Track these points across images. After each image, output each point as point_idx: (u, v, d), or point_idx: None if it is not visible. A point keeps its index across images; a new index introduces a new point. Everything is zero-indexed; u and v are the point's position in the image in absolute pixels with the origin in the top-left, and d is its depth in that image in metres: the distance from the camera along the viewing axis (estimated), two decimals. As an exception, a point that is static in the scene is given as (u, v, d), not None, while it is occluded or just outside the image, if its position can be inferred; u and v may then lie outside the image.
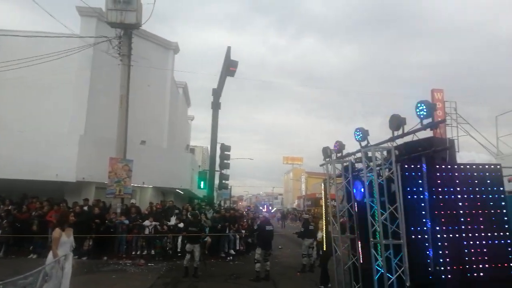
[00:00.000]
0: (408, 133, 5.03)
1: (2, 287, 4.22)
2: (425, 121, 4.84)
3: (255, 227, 11.84)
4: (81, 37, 16.06)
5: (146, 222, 14.13)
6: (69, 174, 15.15)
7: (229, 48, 17.41)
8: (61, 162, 15.08)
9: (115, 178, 14.73)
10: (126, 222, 14.01)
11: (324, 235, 8.08)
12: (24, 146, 15.12)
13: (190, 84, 29.67)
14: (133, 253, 13.76)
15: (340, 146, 6.58)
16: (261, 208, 32.27)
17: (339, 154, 6.62)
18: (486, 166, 5.13)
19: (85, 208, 14.44)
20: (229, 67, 16.85)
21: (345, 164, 6.55)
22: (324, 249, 8.21)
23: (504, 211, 4.98)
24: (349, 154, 6.40)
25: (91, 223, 13.48)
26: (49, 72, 15.76)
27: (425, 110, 4.76)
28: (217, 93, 18.63)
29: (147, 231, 14.01)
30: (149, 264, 12.63)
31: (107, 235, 13.45)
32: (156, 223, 14.21)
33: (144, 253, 13.77)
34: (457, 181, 4.89)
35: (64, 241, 6.73)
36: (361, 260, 6.24)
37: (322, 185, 7.59)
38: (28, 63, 14.83)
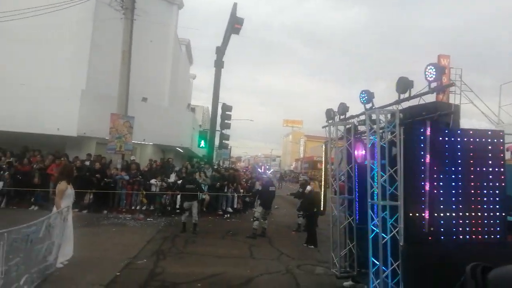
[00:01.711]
0: (415, 96, 4.96)
1: (6, 235, 4.31)
2: (433, 85, 4.78)
3: (259, 187, 12.19)
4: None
5: (152, 181, 14.30)
6: (70, 129, 15.16)
7: (235, 5, 16.90)
8: (63, 116, 15.04)
9: (116, 134, 14.75)
10: (127, 177, 14.19)
11: (322, 197, 8.24)
12: (24, 99, 15.00)
13: (193, 41, 29.05)
14: (133, 208, 14.07)
15: (343, 108, 6.54)
16: (258, 169, 32.60)
17: (342, 116, 6.59)
18: (489, 133, 5.13)
19: (87, 162, 14.59)
20: (234, 25, 16.43)
21: (347, 126, 6.55)
22: (322, 209, 8.39)
23: (503, 177, 5.03)
24: (352, 117, 6.38)
25: (91, 177, 13.66)
26: (50, 24, 15.39)
27: (434, 73, 4.69)
28: (220, 51, 18.29)
29: (153, 189, 14.20)
30: (148, 219, 12.92)
31: (108, 191, 13.68)
32: (160, 182, 14.40)
33: (143, 208, 14.07)
34: (459, 146, 4.90)
35: (68, 193, 6.87)
36: (357, 220, 6.41)
37: (323, 146, 7.62)
38: (28, 14, 14.46)
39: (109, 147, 14.81)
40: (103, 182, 13.76)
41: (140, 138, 16.53)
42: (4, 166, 13.69)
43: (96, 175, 13.83)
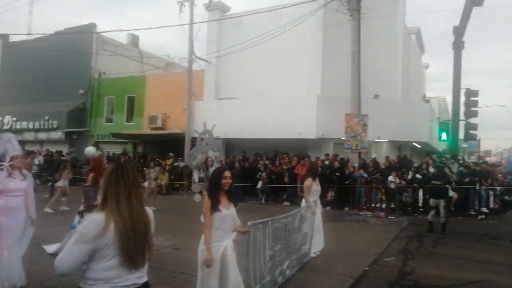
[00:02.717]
0: None
1: (270, 223, 5.02)
2: None
3: None
4: (313, 0, 16.71)
5: (390, 177, 14.06)
6: (310, 132, 16.58)
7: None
8: (303, 121, 16.59)
9: (351, 133, 15.15)
10: (365, 175, 14.36)
11: None
12: (272, 109, 17.35)
13: (424, 28, 26.85)
14: (372, 205, 14.10)
15: None
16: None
17: None
18: None
19: (326, 162, 15.57)
20: (477, -6, 14.22)
21: None
22: None
23: None
24: None
25: (332, 176, 14.47)
26: (289, 40, 17.35)
27: None
28: (459, 30, 16.22)
29: (392, 186, 13.93)
30: (389, 217, 12.70)
31: (347, 185, 14.19)
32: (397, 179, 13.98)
33: (383, 206, 13.90)
34: None
35: (314, 189, 7.45)
36: None
37: None
38: (269, 36, 16.81)
39: (346, 146, 15.32)
40: (343, 181, 14.35)
41: (374, 136, 16.43)
42: (261, 168, 16.18)
43: (336, 174, 14.58)
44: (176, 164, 18.61)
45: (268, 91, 18.04)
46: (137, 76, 23.78)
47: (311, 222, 7.03)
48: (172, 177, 18.18)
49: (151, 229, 2.38)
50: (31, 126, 24.86)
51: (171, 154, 19.32)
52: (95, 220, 2.17)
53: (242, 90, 18.83)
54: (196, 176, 10.68)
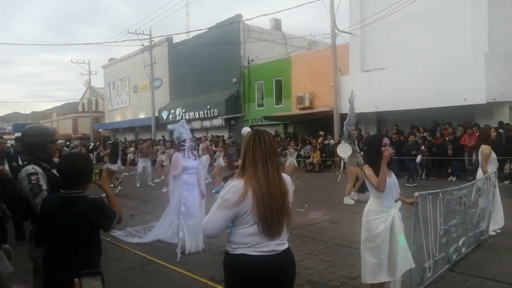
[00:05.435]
0: None
1: (441, 194, 4.54)
2: None
3: None
4: None
5: None
6: (478, 96, 14.32)
7: None
8: (467, 85, 14.42)
9: (534, 93, 12.62)
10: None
11: None
12: (428, 75, 15.58)
13: None
14: None
15: None
16: None
17: None
18: None
19: (500, 130, 13.38)
20: None
21: None
22: None
23: None
24: None
25: (510, 145, 12.35)
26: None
27: None
28: None
29: None
30: None
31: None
32: None
33: None
34: None
35: (493, 158, 6.49)
36: None
37: None
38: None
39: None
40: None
41: None
42: (419, 141, 14.86)
43: (517, 143, 12.42)
44: (326, 142, 18.60)
45: (422, 55, 16.26)
46: (282, 58, 24.40)
47: (491, 196, 6.12)
48: (323, 155, 18.27)
49: (288, 198, 2.32)
50: (197, 116, 28.17)
51: (320, 132, 19.38)
52: (234, 187, 2.21)
53: (391, 58, 17.44)
54: (342, 151, 10.23)
